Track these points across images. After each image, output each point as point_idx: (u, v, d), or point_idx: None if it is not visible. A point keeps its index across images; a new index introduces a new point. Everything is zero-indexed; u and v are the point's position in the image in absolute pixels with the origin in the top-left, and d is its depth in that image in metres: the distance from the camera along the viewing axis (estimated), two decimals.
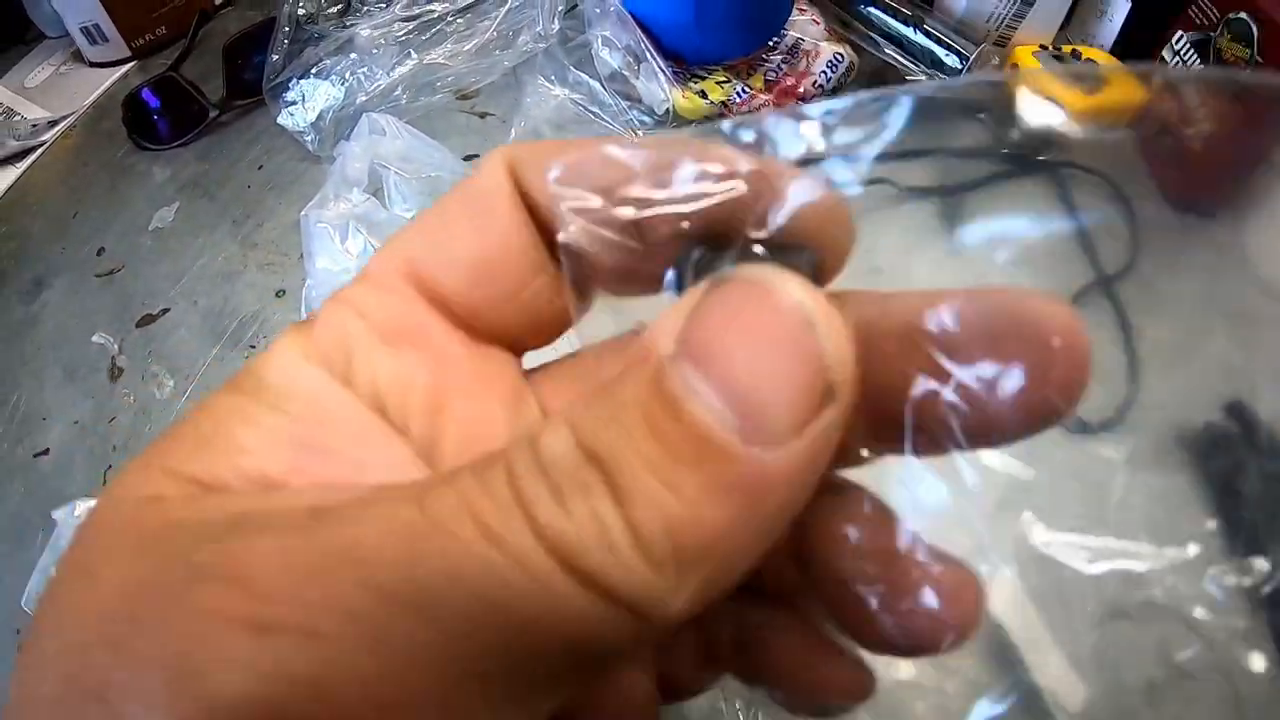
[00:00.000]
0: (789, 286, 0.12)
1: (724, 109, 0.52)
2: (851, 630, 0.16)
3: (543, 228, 0.16)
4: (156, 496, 0.13)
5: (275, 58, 0.56)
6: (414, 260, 0.16)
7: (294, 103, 0.55)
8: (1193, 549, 0.46)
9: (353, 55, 0.54)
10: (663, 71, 0.52)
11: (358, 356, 0.15)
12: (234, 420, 0.14)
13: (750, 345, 0.12)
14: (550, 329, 0.17)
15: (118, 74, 0.65)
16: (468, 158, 0.54)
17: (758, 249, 0.14)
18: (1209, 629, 0.43)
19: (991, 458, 0.17)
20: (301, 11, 0.57)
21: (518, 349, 0.18)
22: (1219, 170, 0.61)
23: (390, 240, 0.16)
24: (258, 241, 0.54)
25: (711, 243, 0.14)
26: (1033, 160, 0.59)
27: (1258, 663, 0.44)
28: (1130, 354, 0.53)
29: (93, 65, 0.66)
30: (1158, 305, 0.56)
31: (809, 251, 0.14)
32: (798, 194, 0.14)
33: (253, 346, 0.49)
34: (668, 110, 0.53)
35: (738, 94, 0.52)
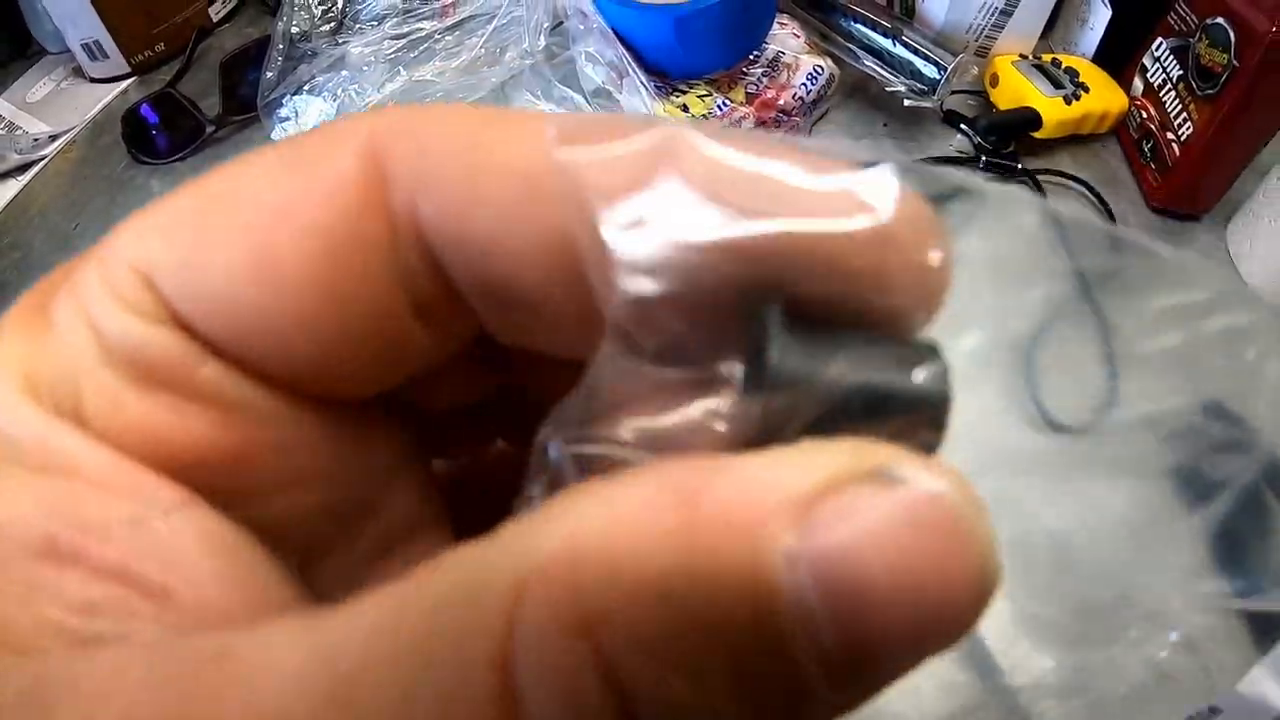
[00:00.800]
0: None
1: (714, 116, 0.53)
2: None
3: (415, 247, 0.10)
4: None
5: (269, 75, 0.58)
6: (158, 279, 0.10)
7: (287, 119, 0.56)
8: (1174, 552, 0.47)
9: (344, 72, 0.56)
10: (645, 86, 0.53)
11: (90, 399, 0.10)
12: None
13: (908, 578, 0.08)
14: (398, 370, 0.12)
15: (117, 89, 0.67)
16: None
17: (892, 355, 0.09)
18: (1190, 631, 0.44)
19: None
20: (295, 29, 0.59)
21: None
22: (1201, 175, 0.62)
23: (138, 224, 0.11)
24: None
25: (796, 314, 0.09)
26: (1013, 168, 0.59)
27: (1239, 664, 0.45)
28: (1109, 357, 0.53)
29: (93, 81, 0.67)
30: (1139, 308, 0.57)
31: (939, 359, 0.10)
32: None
33: None
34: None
35: (719, 107, 0.53)
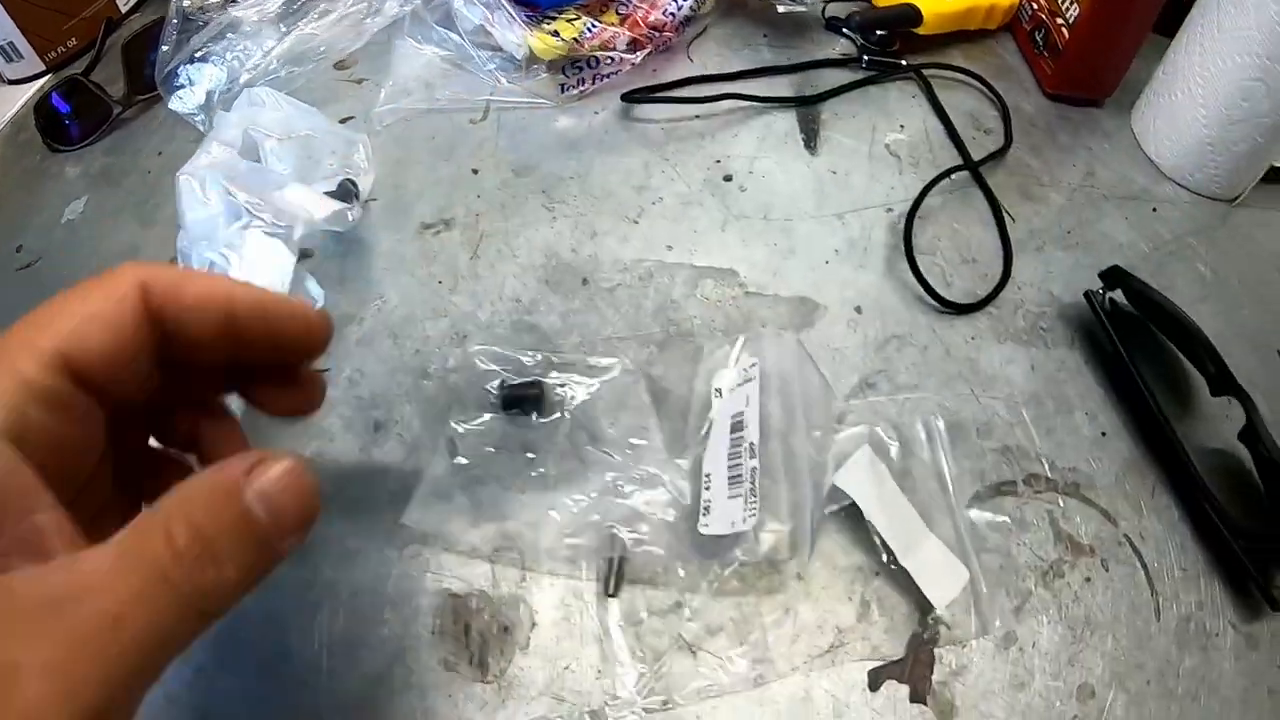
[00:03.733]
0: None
1: (576, 44, 0.54)
2: None
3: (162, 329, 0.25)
4: None
5: (165, 49, 0.60)
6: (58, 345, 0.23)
7: (182, 87, 0.58)
8: (1079, 418, 0.47)
9: (231, 37, 0.57)
10: (516, 18, 0.54)
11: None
12: None
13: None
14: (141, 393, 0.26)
15: (34, 88, 0.69)
16: (343, 120, 0.56)
17: None
18: (1101, 501, 0.44)
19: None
20: (188, 3, 0.60)
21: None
22: (1092, 56, 0.62)
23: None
24: (156, 219, 0.57)
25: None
26: (896, 65, 0.60)
27: (1163, 534, 0.44)
28: (1003, 236, 0.53)
29: (10, 83, 0.69)
30: (1037, 193, 0.57)
31: None
32: None
33: None
34: (527, 55, 0.55)
35: (588, 29, 0.54)
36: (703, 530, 0.38)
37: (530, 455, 0.41)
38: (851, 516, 0.41)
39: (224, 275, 0.31)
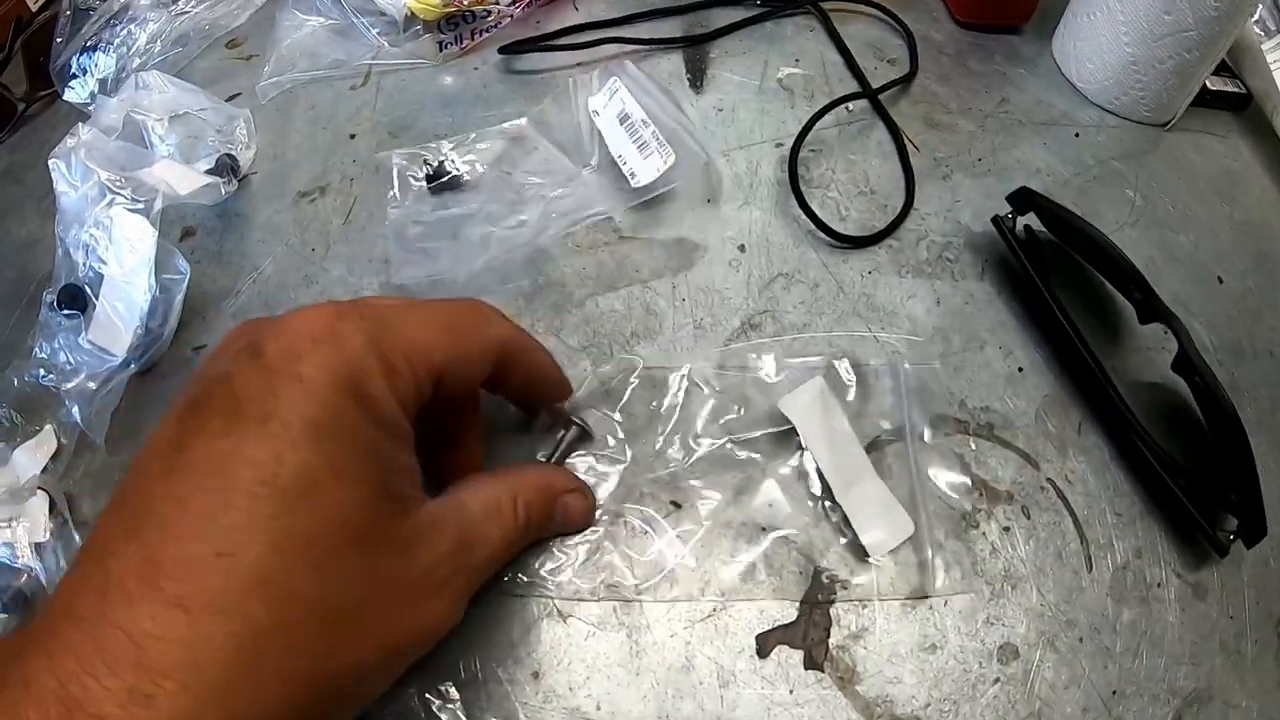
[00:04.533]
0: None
1: (453, 1, 0.53)
2: None
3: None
4: None
5: (59, 40, 0.59)
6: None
7: (75, 76, 0.58)
8: (991, 353, 0.44)
9: (118, 24, 0.57)
10: None
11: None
12: None
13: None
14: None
15: None
16: (230, 98, 0.56)
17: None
18: (1019, 442, 0.41)
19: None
20: None
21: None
22: None
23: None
24: (54, 210, 0.57)
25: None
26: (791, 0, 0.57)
27: (1093, 477, 0.41)
28: (905, 165, 0.50)
29: None
30: (944, 121, 0.54)
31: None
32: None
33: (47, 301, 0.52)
34: (406, 16, 0.54)
35: None
36: (633, 183, 0.46)
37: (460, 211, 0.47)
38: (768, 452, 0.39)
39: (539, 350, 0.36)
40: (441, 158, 0.48)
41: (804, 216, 0.48)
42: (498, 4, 0.53)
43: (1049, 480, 0.40)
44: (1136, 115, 0.56)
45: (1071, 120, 0.56)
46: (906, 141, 0.52)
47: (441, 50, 0.54)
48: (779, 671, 0.34)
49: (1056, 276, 0.45)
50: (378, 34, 0.55)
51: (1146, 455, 0.39)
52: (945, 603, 0.36)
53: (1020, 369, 0.44)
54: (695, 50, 0.56)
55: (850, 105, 0.53)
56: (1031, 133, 0.55)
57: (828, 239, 0.47)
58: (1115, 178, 0.53)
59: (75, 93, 0.58)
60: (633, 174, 0.46)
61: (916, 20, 0.59)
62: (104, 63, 0.58)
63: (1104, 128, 0.55)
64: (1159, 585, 0.37)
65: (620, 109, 0.48)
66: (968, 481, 0.39)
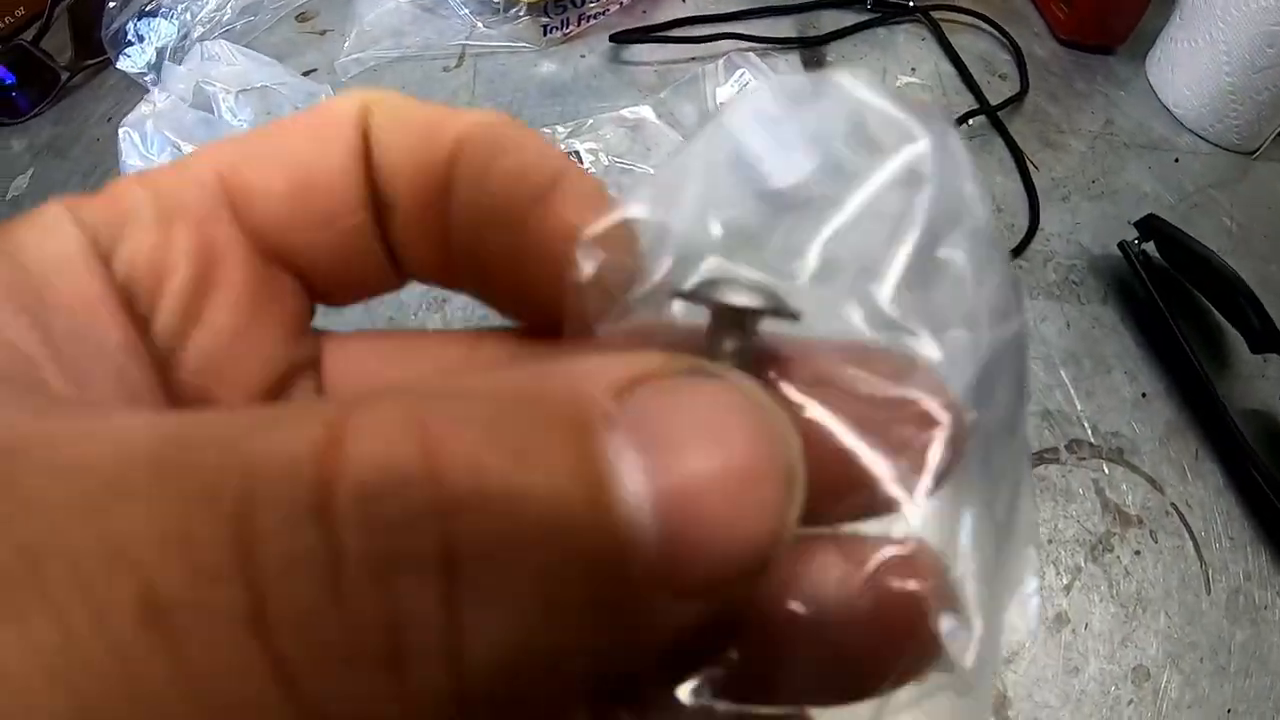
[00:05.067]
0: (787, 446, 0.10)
1: None
2: None
3: (373, 179, 0.14)
4: None
5: (112, 4, 0.55)
6: (230, 163, 0.14)
7: (130, 45, 0.54)
8: (1119, 379, 0.43)
9: None
10: None
11: (129, 233, 0.13)
12: None
13: (721, 477, 0.09)
14: (356, 286, 0.15)
15: None
16: (306, 73, 0.52)
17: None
18: (1146, 467, 0.40)
19: None
20: None
21: (315, 295, 0.15)
22: (1114, 5, 0.58)
23: (216, 142, 0.15)
24: (103, 187, 0.52)
25: None
26: (904, 7, 0.56)
27: (1209, 502, 0.40)
28: (1028, 185, 0.49)
29: None
30: (1058, 140, 0.53)
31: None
32: None
33: None
34: None
35: None
36: None
37: None
38: None
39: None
40: (559, 145, 0.44)
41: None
42: None
43: (1173, 505, 0.40)
44: (1227, 142, 0.56)
45: (1170, 145, 0.55)
46: (1028, 161, 0.50)
47: (546, 34, 0.51)
48: (933, 702, 0.32)
49: (1172, 302, 0.45)
50: (470, 14, 0.52)
51: (1258, 480, 0.40)
52: (1085, 625, 0.36)
53: (1144, 394, 0.43)
54: (812, 52, 0.54)
55: (971, 120, 0.51)
56: (1135, 156, 0.54)
57: None
58: (1213, 205, 0.53)
59: (131, 60, 0.54)
60: None
61: (1019, 33, 0.58)
62: (165, 29, 0.54)
63: (1199, 154, 0.55)
64: (1266, 607, 0.37)
65: None
66: (1101, 505, 0.39)
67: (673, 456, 0.09)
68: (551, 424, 0.09)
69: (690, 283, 0.12)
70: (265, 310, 0.14)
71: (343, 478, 0.08)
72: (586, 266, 0.12)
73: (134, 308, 0.13)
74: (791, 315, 0.11)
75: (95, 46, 0.58)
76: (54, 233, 0.12)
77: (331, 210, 0.14)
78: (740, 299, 0.11)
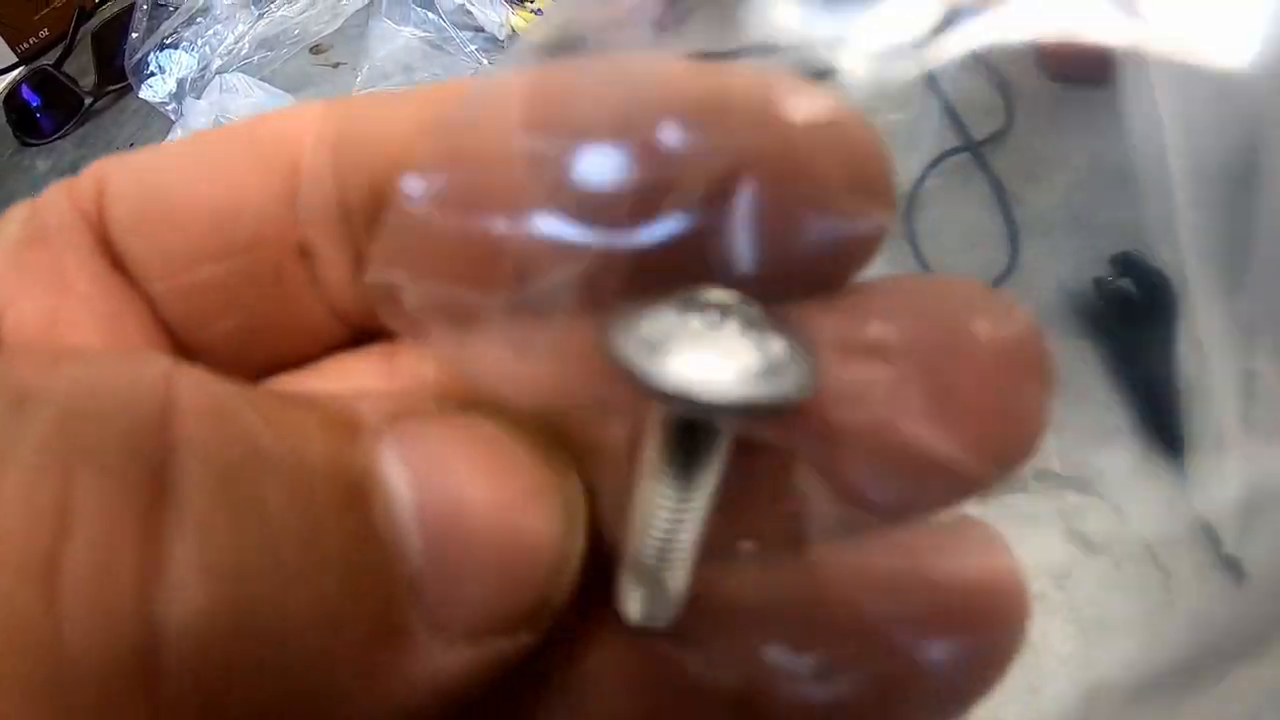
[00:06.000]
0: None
1: None
2: None
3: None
4: None
5: (135, 35, 0.57)
6: (152, 181, 0.11)
7: (153, 74, 0.56)
8: (1092, 411, 0.45)
9: (202, 21, 0.55)
10: None
11: None
12: None
13: (490, 499, 0.08)
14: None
15: (6, 81, 0.67)
16: None
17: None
18: (1117, 500, 0.42)
19: None
20: None
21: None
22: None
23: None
24: None
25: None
26: None
27: (1179, 535, 0.42)
28: (1009, 220, 0.51)
29: None
30: (1041, 173, 0.54)
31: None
32: None
33: None
34: (509, 34, 0.53)
35: None
36: None
37: None
38: None
39: None
40: None
41: (916, 266, 0.47)
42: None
43: (1139, 535, 0.41)
44: None
45: None
46: (1005, 196, 0.52)
47: None
48: None
49: (1149, 336, 0.46)
50: (476, 50, 0.54)
51: None
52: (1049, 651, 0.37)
53: (1116, 427, 0.44)
54: None
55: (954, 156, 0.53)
56: (1119, 189, 0.55)
57: None
58: None
59: (153, 90, 0.57)
60: None
61: (1005, 66, 0.59)
62: (185, 61, 0.56)
63: None
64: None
65: None
66: (1067, 534, 0.41)
67: (439, 470, 0.08)
68: (320, 419, 0.08)
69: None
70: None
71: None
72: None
73: None
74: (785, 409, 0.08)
75: (117, 73, 0.61)
76: None
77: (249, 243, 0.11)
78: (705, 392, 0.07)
